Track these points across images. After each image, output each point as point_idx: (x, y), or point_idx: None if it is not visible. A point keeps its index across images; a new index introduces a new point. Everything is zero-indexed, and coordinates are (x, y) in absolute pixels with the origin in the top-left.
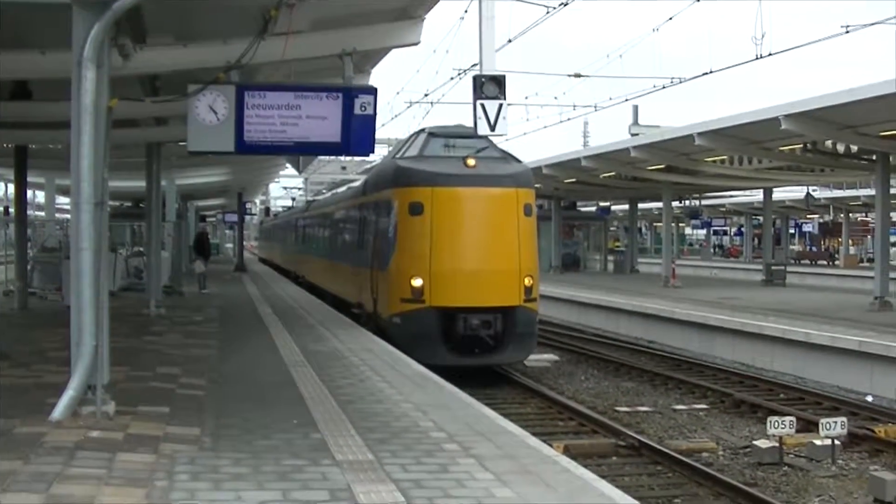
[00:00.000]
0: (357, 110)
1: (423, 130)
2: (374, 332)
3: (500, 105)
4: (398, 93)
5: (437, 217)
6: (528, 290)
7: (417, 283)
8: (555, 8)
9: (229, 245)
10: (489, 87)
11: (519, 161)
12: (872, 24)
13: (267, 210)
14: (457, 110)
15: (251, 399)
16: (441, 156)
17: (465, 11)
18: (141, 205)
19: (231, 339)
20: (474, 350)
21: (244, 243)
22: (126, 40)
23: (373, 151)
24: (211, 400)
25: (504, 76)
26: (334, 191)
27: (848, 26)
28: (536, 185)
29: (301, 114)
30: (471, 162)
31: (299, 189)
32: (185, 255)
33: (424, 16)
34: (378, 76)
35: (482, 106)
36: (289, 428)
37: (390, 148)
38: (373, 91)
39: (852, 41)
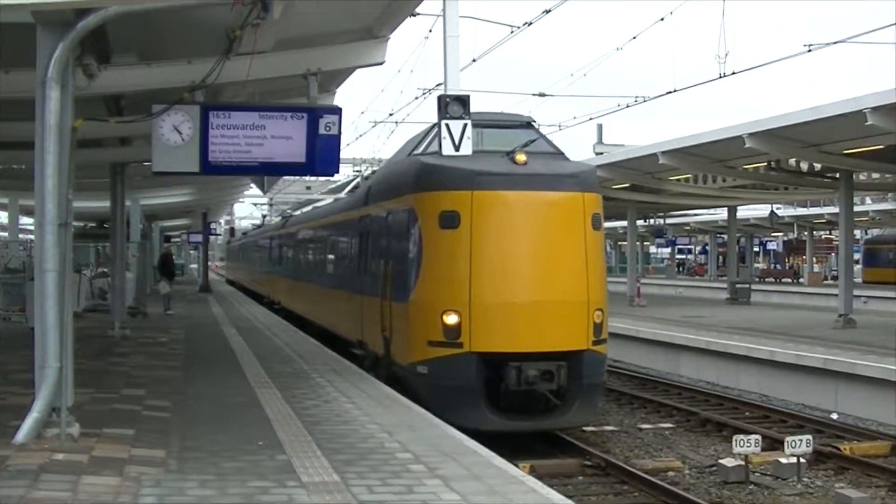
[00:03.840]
0: (322, 130)
1: None
2: (385, 382)
3: (465, 125)
4: (363, 112)
5: (478, 230)
6: (598, 327)
7: (452, 319)
8: (519, 27)
9: (194, 266)
10: (454, 106)
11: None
12: (835, 42)
13: (232, 230)
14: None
15: (217, 420)
16: (477, 151)
17: (430, 31)
18: (105, 225)
19: (197, 360)
20: (528, 410)
21: (209, 264)
22: (90, 60)
23: (337, 171)
24: (177, 422)
25: (468, 96)
26: (316, 205)
27: (811, 45)
28: None
29: (266, 134)
30: (521, 157)
31: (262, 206)
32: (150, 276)
33: (389, 35)
34: (343, 96)
35: (447, 126)
36: (255, 450)
37: (356, 168)
38: (337, 111)
39: (815, 60)
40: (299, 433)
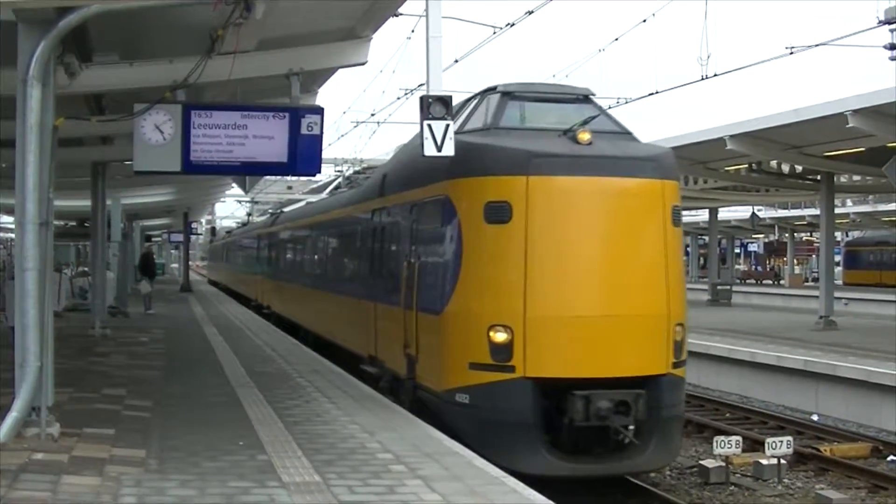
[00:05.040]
0: (304, 130)
1: (490, 90)
2: (411, 410)
3: (447, 126)
4: (345, 112)
5: (535, 225)
6: (679, 346)
7: (501, 337)
8: (501, 28)
9: (175, 265)
10: (436, 107)
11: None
12: (817, 45)
13: (213, 230)
14: (404, 130)
15: (198, 420)
16: (529, 128)
17: (412, 31)
18: (86, 224)
19: (177, 359)
20: (596, 449)
21: (190, 263)
22: (72, 58)
23: (319, 171)
24: (157, 422)
25: (451, 97)
26: (310, 200)
27: (792, 48)
28: None
29: (248, 133)
30: (585, 136)
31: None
32: (131, 276)
33: (371, 36)
34: (325, 96)
35: (429, 126)
36: (235, 450)
37: (338, 168)
38: (319, 111)
39: (797, 62)
40: (280, 433)
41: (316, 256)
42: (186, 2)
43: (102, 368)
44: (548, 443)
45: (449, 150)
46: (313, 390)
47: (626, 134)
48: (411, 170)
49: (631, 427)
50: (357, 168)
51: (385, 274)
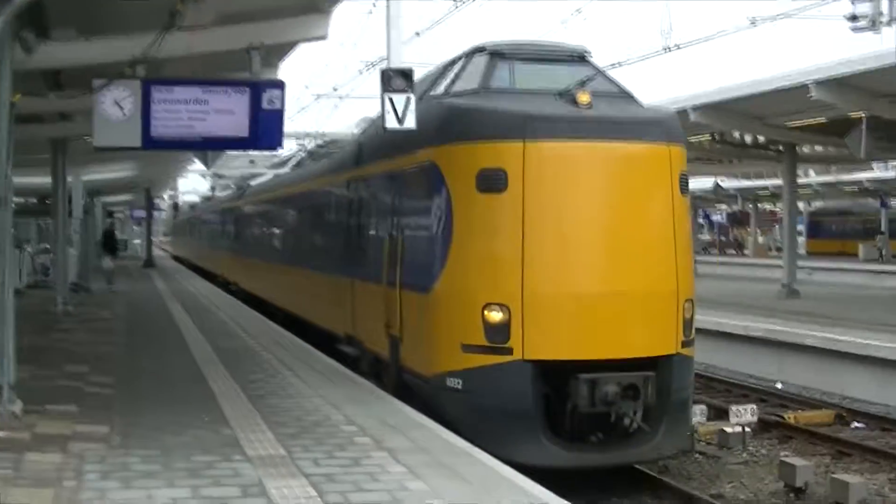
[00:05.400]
0: (265, 105)
1: (477, 50)
2: (396, 395)
3: (408, 98)
4: (307, 87)
5: (534, 194)
6: (688, 324)
7: (497, 315)
8: (463, 2)
9: (137, 241)
10: (397, 80)
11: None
12: (779, 16)
13: (175, 205)
14: (366, 104)
15: (161, 396)
16: (521, 90)
17: (374, 5)
18: (47, 201)
19: (140, 335)
20: (602, 438)
21: (153, 239)
22: (28, 34)
23: (281, 146)
24: (120, 398)
25: (412, 70)
26: (279, 170)
27: (755, 19)
28: None
29: (208, 108)
30: (585, 97)
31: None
32: (93, 252)
33: (332, 9)
34: (286, 70)
35: (390, 100)
36: (200, 424)
37: (300, 142)
38: (281, 85)
39: (760, 34)
40: (244, 407)
41: (286, 231)
42: None
43: (65, 345)
44: (548, 431)
45: (410, 123)
46: (278, 364)
47: (626, 96)
48: (391, 135)
49: (638, 412)
50: (319, 142)
51: (363, 249)
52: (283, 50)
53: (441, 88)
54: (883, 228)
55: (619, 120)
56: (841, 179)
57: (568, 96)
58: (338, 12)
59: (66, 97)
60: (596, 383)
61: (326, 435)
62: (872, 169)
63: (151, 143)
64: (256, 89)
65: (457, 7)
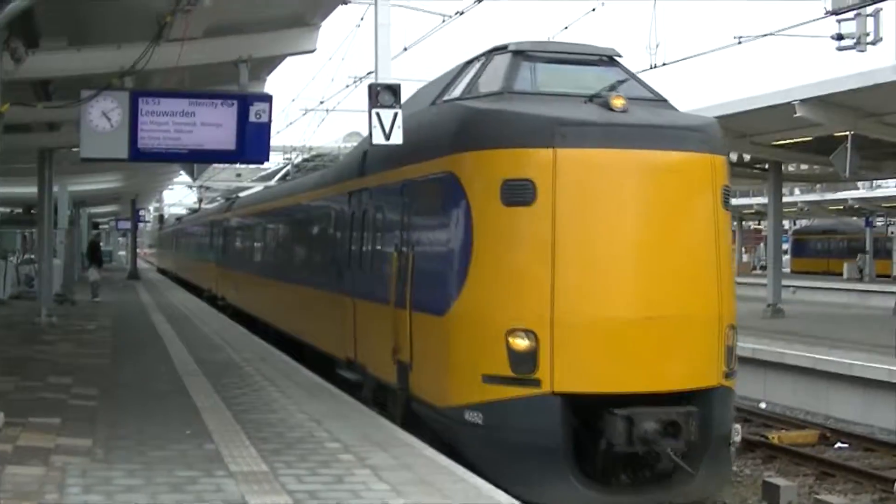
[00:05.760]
0: (252, 118)
1: (497, 49)
2: (402, 425)
3: (396, 114)
4: (294, 100)
5: (565, 207)
6: (731, 353)
7: (523, 343)
8: (451, 16)
9: (122, 253)
10: (384, 95)
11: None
12: (764, 35)
13: (161, 217)
14: (353, 118)
15: (145, 409)
16: (548, 92)
17: (361, 19)
18: (32, 211)
19: (124, 348)
20: (637, 477)
21: (138, 251)
22: (18, 44)
23: (268, 159)
24: (103, 410)
25: (399, 85)
26: (268, 184)
27: (741, 37)
28: None
29: (196, 121)
30: (619, 102)
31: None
32: (78, 263)
33: (320, 23)
34: (274, 83)
35: (377, 115)
36: (183, 438)
37: (286, 156)
38: (268, 98)
39: (745, 52)
40: (228, 422)
41: (281, 244)
42: None
43: (48, 357)
44: (578, 471)
45: (397, 138)
46: (261, 379)
47: (662, 101)
48: (402, 143)
49: (680, 452)
50: (306, 156)
51: (367, 265)
52: (271, 63)
53: (457, 91)
54: (868, 248)
55: (658, 126)
56: (826, 198)
57: (600, 100)
58: (326, 26)
59: (54, 107)
60: (633, 419)
61: (310, 451)
62: (857, 188)
63: (138, 154)
64: (244, 102)
65: (444, 21)
